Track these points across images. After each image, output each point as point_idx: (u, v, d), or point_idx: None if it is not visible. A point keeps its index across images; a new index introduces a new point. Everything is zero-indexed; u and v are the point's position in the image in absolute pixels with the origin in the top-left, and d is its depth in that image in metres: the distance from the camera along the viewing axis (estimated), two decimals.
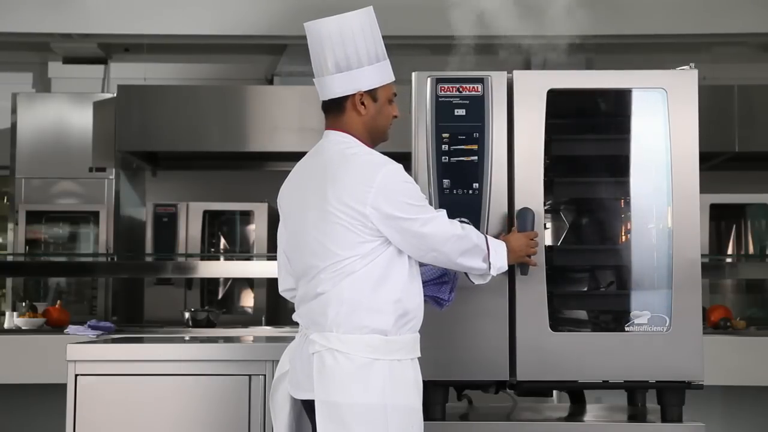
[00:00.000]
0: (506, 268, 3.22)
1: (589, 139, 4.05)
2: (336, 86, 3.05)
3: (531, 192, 3.56)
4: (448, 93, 3.66)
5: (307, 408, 3.05)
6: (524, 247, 3.33)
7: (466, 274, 3.22)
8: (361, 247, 2.92)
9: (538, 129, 3.66)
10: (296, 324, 3.15)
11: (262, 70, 8.39)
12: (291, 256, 3.14)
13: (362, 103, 3.06)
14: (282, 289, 3.31)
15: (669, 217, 3.82)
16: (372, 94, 3.08)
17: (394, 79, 3.15)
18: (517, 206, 3.52)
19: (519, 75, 3.65)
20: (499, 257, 3.18)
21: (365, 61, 3.05)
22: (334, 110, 3.09)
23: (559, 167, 3.90)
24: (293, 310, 3.21)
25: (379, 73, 3.08)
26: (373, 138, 3.13)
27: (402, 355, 2.95)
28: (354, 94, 3.05)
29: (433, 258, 3.04)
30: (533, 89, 3.67)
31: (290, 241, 3.13)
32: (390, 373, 2.91)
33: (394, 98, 3.16)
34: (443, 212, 3.09)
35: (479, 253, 3.12)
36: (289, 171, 3.23)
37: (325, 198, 2.95)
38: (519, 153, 3.60)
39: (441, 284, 3.24)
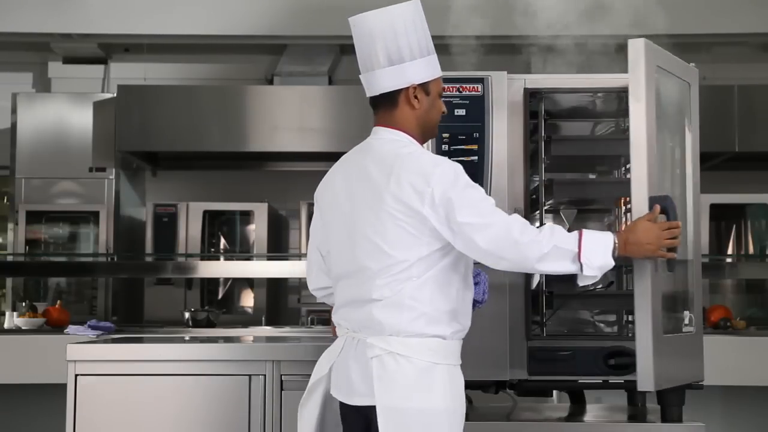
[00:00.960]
0: (610, 265, 2.87)
1: (588, 139, 4.06)
2: (388, 80, 2.94)
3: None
4: (448, 93, 3.66)
5: (347, 414, 2.93)
6: (654, 239, 2.93)
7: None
8: (418, 250, 2.81)
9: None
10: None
11: (262, 70, 8.39)
12: (334, 256, 3.01)
13: (415, 97, 2.95)
14: (313, 287, 3.19)
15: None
16: (424, 87, 2.96)
17: (441, 73, 3.04)
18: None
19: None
20: (597, 255, 2.84)
21: (417, 54, 2.94)
22: (386, 105, 2.98)
23: (559, 167, 3.91)
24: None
25: (429, 67, 2.97)
26: (425, 133, 3.03)
27: (454, 360, 2.88)
28: (407, 88, 2.94)
29: (506, 265, 2.85)
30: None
31: (334, 239, 3.00)
32: (449, 378, 2.84)
33: (442, 93, 3.07)
34: (514, 216, 2.87)
35: (564, 255, 2.82)
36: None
37: (380, 197, 2.84)
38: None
39: (474, 285, 3.09)
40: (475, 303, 3.09)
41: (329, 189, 3.07)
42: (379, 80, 2.96)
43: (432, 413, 2.79)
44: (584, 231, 2.88)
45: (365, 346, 2.85)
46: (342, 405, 2.94)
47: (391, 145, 2.94)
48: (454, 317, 2.88)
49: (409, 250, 2.81)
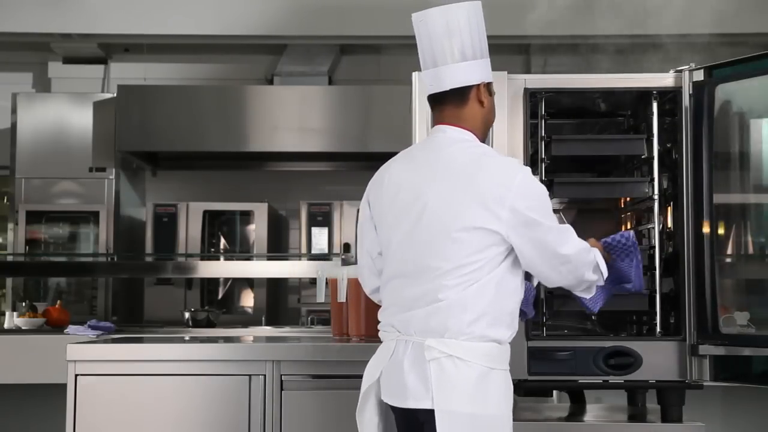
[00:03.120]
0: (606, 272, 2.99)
1: (588, 140, 4.06)
2: (463, 74, 2.89)
3: None
4: None
5: (402, 418, 2.88)
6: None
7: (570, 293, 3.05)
8: (487, 251, 2.77)
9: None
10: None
11: (262, 70, 8.39)
12: (390, 255, 2.92)
13: (484, 95, 2.94)
14: (369, 290, 3.12)
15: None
16: (489, 87, 2.95)
17: None
18: None
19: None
20: (603, 262, 2.97)
21: (485, 53, 2.93)
22: (455, 101, 2.91)
23: (561, 167, 3.92)
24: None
25: (490, 68, 2.96)
26: (484, 133, 2.99)
27: (506, 366, 2.86)
28: (479, 85, 2.91)
29: (565, 270, 2.85)
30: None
31: (395, 239, 2.90)
32: (504, 384, 2.82)
33: None
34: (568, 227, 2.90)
35: (594, 265, 2.93)
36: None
37: (454, 198, 2.79)
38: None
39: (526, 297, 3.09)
40: (524, 315, 3.10)
41: (389, 187, 2.95)
42: (452, 74, 2.90)
43: (489, 419, 2.76)
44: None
45: (422, 349, 2.78)
46: (394, 408, 2.89)
47: (461, 145, 2.89)
48: (512, 320, 2.86)
49: (480, 252, 2.77)
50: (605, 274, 2.97)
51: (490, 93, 2.96)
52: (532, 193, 2.80)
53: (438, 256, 2.79)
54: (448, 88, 2.91)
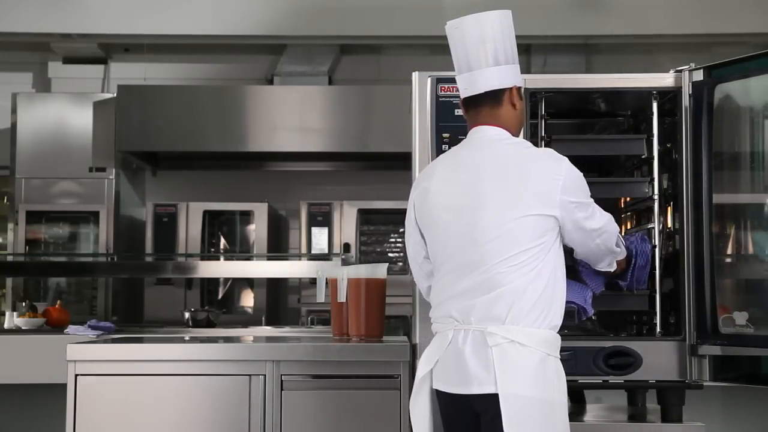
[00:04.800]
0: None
1: (591, 140, 4.06)
2: (498, 78, 3.06)
3: None
4: (449, 93, 3.66)
5: (453, 404, 2.97)
6: None
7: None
8: (542, 238, 2.93)
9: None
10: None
11: (262, 70, 8.39)
12: (447, 251, 3.04)
13: (516, 98, 3.10)
14: (424, 292, 3.26)
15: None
16: (519, 91, 3.13)
17: None
18: None
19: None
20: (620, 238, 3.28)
21: (516, 59, 3.11)
22: (489, 104, 3.07)
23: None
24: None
25: (520, 73, 3.14)
26: (517, 135, 3.14)
27: (559, 353, 2.97)
28: (511, 88, 3.08)
29: (597, 246, 3.11)
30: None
31: (451, 235, 3.02)
32: (558, 370, 2.94)
33: None
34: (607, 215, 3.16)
35: (618, 236, 3.22)
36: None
37: (508, 189, 2.95)
38: None
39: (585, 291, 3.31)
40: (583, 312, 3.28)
41: (438, 190, 3.08)
42: (487, 78, 3.07)
43: (550, 403, 2.87)
44: None
45: (484, 336, 2.89)
46: (447, 399, 2.98)
47: (506, 141, 3.06)
48: (561, 308, 2.99)
49: (536, 239, 2.92)
50: (623, 247, 3.25)
51: (521, 97, 3.13)
52: (577, 179, 3.01)
53: (497, 246, 2.92)
54: (482, 91, 3.07)
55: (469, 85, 3.09)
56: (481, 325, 2.91)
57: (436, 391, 3.02)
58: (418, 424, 3.06)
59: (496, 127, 3.07)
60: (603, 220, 3.10)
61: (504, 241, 2.92)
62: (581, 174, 3.03)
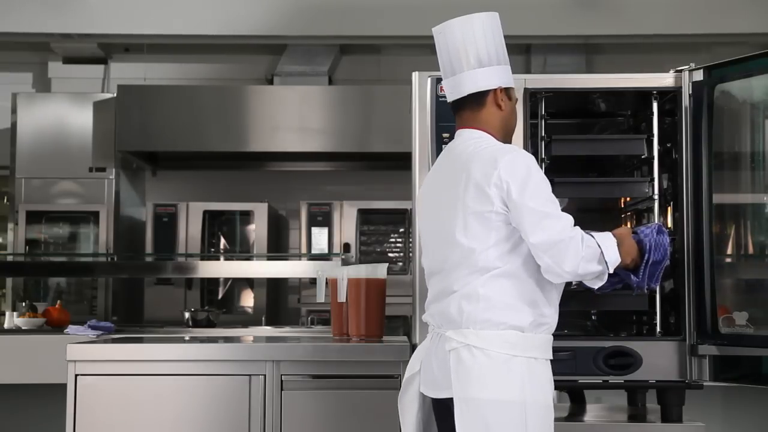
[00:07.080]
0: (620, 259, 2.92)
1: (591, 140, 4.06)
2: (480, 80, 3.03)
3: None
4: None
5: (437, 409, 3.01)
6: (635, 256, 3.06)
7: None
8: (492, 235, 2.85)
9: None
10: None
11: (262, 70, 8.39)
12: (428, 255, 3.09)
13: (502, 99, 3.06)
14: None
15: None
16: (507, 92, 3.08)
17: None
18: None
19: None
20: (611, 251, 2.90)
21: (502, 60, 3.06)
22: (472, 106, 3.05)
23: (561, 167, 3.91)
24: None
25: (509, 74, 3.09)
26: (505, 136, 3.09)
27: (538, 354, 2.91)
28: (495, 89, 3.04)
29: (546, 265, 2.84)
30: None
31: (429, 240, 3.10)
32: (528, 370, 2.86)
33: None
34: (569, 217, 2.89)
35: (596, 256, 2.88)
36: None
37: (457, 190, 2.92)
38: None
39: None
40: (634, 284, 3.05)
41: (422, 194, 3.19)
42: (469, 81, 3.04)
43: (508, 405, 2.82)
44: (592, 232, 2.93)
45: (444, 340, 2.92)
46: (432, 400, 3.03)
47: (471, 142, 3.02)
48: (532, 308, 2.89)
49: (486, 238, 2.86)
50: (610, 260, 2.88)
51: (510, 98, 3.09)
52: (517, 172, 2.84)
53: (451, 249, 2.93)
54: (465, 94, 3.05)
55: (453, 88, 3.08)
56: (441, 329, 2.96)
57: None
58: (405, 424, 3.09)
59: (475, 130, 3.04)
60: (542, 236, 2.80)
61: (455, 245, 2.91)
62: (527, 170, 2.85)
